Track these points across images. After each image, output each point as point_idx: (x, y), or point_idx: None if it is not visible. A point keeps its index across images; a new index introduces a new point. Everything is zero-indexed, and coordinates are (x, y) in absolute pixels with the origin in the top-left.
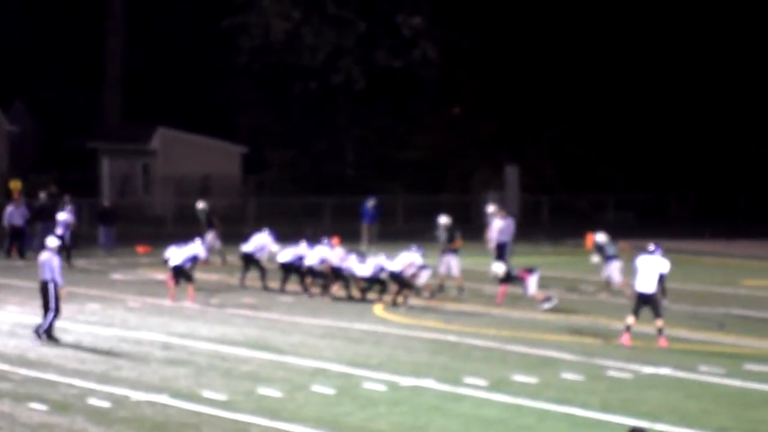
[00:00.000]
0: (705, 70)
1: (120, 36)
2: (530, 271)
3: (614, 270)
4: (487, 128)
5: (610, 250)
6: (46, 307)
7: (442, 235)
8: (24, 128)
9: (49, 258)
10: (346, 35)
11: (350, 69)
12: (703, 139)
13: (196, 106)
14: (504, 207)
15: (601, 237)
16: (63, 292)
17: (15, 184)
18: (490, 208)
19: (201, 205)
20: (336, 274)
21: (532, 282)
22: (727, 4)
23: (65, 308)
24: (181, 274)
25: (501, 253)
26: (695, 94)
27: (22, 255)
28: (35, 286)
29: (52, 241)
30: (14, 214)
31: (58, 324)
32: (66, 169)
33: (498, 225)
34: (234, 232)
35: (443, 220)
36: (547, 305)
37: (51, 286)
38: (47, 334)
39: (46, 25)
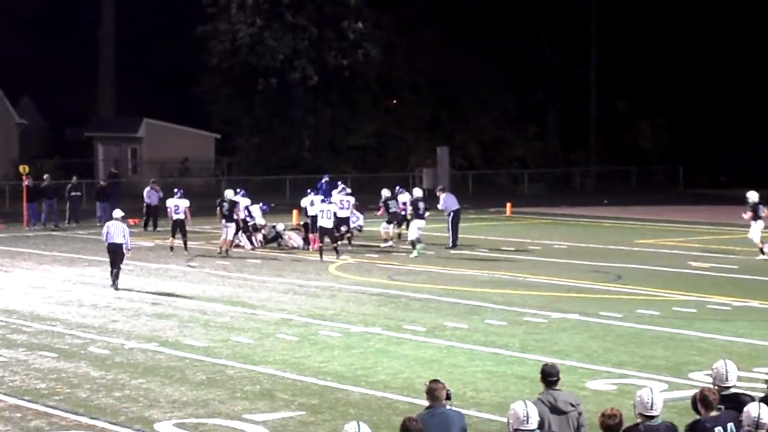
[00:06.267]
0: (610, 67)
1: (111, 43)
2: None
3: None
4: (421, 116)
5: (761, 210)
6: (116, 264)
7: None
8: (31, 121)
9: (123, 227)
10: (301, 39)
11: (305, 68)
12: (601, 122)
13: (175, 100)
14: (440, 185)
15: (754, 195)
16: (129, 254)
17: (24, 169)
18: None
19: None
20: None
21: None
22: None
23: (69, 271)
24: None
25: (455, 217)
26: (600, 85)
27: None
28: (42, 252)
29: (118, 213)
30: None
31: (64, 285)
32: (67, 155)
33: (444, 197)
34: (209, 205)
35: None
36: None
37: (124, 248)
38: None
39: (51, 33)
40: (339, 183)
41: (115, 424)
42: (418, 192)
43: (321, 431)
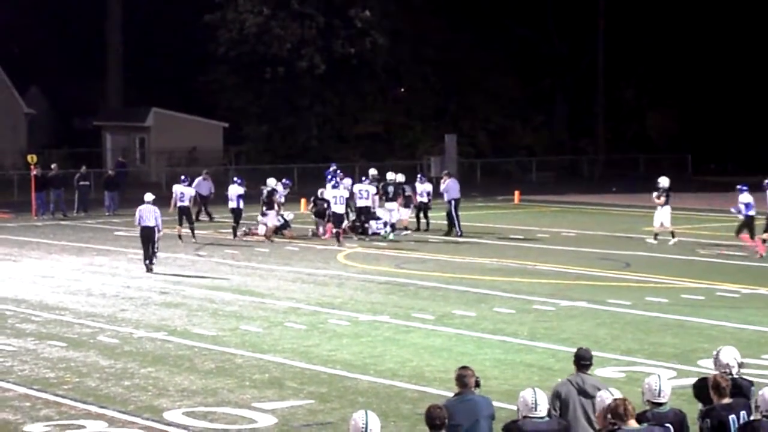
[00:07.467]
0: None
1: (118, 32)
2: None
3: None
4: (428, 104)
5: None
6: (150, 247)
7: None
8: (39, 111)
9: (154, 210)
10: (308, 27)
11: (312, 56)
12: (609, 111)
13: (183, 89)
14: (446, 170)
15: (664, 181)
16: (160, 235)
17: (32, 158)
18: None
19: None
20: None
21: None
22: None
23: (78, 260)
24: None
25: (456, 205)
26: (610, 76)
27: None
28: (51, 242)
29: (149, 196)
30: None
31: (73, 275)
32: (75, 144)
33: (448, 182)
34: (218, 194)
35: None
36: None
37: (156, 231)
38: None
39: (59, 23)
40: (369, 172)
41: (124, 412)
42: (390, 175)
43: (330, 419)
